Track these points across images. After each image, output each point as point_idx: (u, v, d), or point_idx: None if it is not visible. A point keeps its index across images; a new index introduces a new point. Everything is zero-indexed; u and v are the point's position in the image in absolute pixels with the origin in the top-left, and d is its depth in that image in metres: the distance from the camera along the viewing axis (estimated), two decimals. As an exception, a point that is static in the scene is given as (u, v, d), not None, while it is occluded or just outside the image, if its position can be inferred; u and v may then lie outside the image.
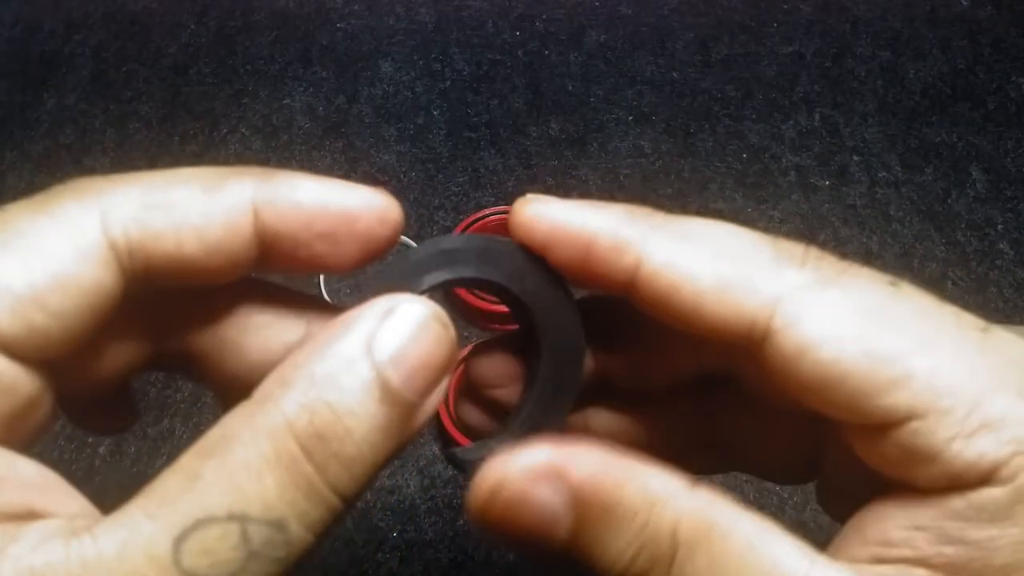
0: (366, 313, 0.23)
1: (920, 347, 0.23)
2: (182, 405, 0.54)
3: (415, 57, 0.70)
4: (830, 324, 0.23)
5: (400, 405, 0.23)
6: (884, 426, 0.23)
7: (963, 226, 0.62)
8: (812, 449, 0.30)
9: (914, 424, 0.22)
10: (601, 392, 0.30)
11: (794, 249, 0.25)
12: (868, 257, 0.60)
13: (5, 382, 0.22)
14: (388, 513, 0.50)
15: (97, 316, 0.23)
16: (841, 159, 0.65)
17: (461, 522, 0.50)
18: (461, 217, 0.60)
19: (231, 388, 0.29)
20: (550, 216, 0.26)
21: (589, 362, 0.29)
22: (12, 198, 0.71)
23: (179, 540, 0.20)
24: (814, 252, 0.25)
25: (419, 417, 0.23)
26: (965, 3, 0.73)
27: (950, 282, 0.59)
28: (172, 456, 0.55)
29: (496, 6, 0.73)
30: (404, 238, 0.60)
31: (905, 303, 0.24)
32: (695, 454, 0.31)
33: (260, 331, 0.27)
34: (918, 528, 0.23)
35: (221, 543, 0.21)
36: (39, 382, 0.23)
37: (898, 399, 0.23)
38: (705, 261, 0.24)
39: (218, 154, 0.65)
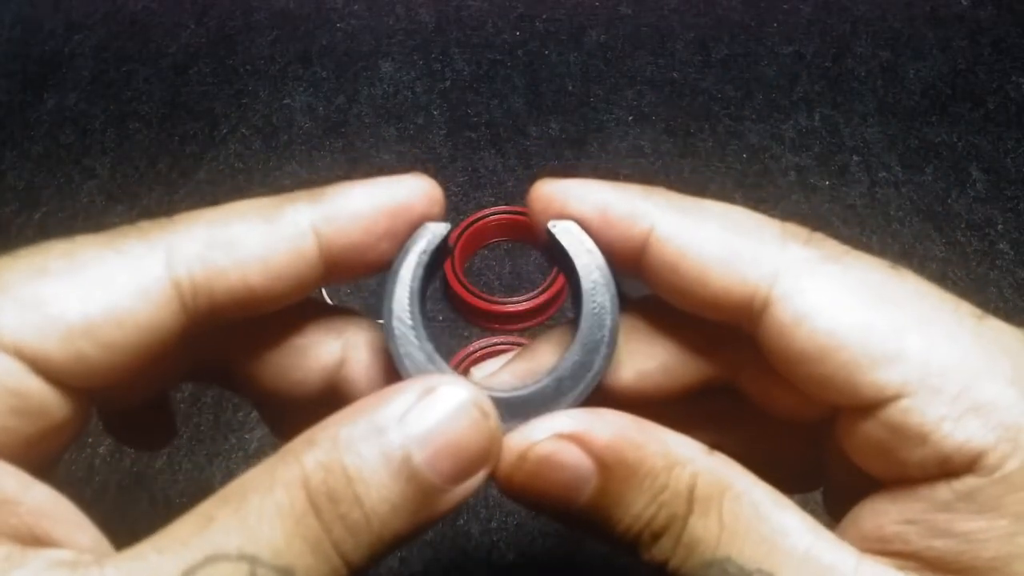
0: (406, 389, 0.23)
1: (916, 326, 0.23)
2: (182, 405, 0.54)
3: (415, 57, 0.70)
4: (829, 296, 0.24)
5: (419, 485, 0.22)
6: (875, 404, 0.23)
7: (963, 226, 0.62)
8: (813, 456, 0.30)
9: (905, 402, 0.23)
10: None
11: (799, 229, 0.25)
12: (868, 257, 0.60)
13: (35, 405, 0.23)
14: (388, 513, 0.50)
15: (151, 351, 0.24)
16: (841, 159, 0.65)
17: (461, 522, 0.50)
18: (461, 217, 0.60)
19: (269, 402, 0.29)
20: (570, 188, 0.27)
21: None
22: (12, 198, 0.71)
23: (187, 574, 0.20)
24: (818, 234, 0.25)
25: (443, 503, 0.23)
26: (965, 3, 0.73)
27: (950, 282, 0.59)
28: (172, 456, 0.55)
29: (496, 6, 0.73)
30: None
31: (904, 284, 0.24)
32: None
33: (299, 352, 0.28)
34: (909, 522, 0.23)
35: None
36: (73, 407, 0.24)
37: (891, 374, 0.23)
38: (712, 232, 0.25)
39: (218, 154, 0.65)
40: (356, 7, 0.73)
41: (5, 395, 0.22)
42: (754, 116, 0.67)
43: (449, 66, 0.70)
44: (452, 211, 0.62)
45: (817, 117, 0.67)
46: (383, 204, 0.26)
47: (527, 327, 0.57)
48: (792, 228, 0.25)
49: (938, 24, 0.72)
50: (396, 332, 0.26)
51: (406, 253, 0.26)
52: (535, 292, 0.56)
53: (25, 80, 0.69)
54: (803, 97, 0.68)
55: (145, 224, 0.24)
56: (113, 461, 0.51)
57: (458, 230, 0.58)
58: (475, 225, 0.59)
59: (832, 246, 0.25)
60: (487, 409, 0.24)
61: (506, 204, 0.60)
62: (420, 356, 0.26)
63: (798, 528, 0.23)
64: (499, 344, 0.54)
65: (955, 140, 0.66)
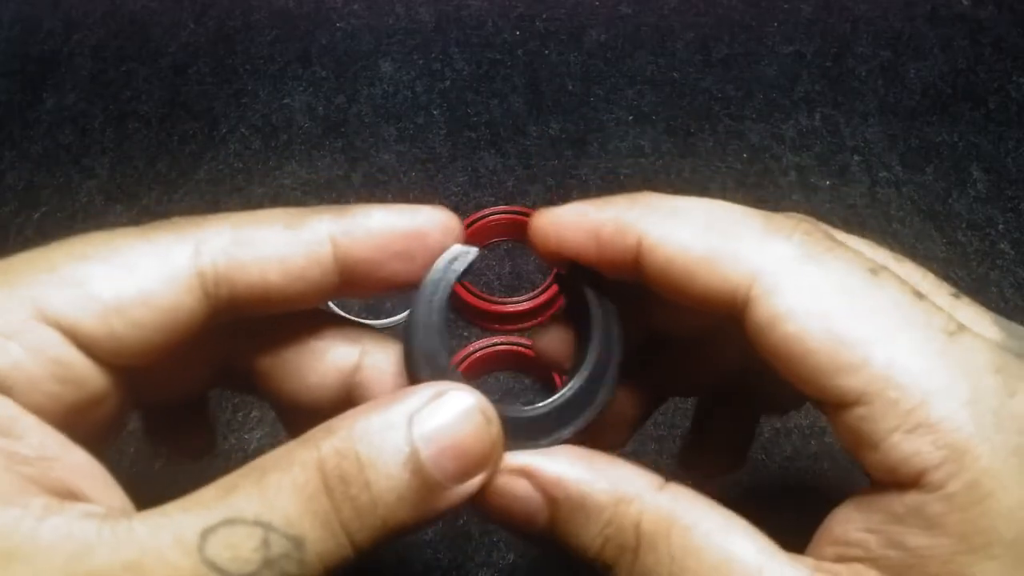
0: (419, 391, 0.26)
1: (882, 338, 0.24)
2: (181, 405, 0.54)
3: (415, 57, 0.70)
4: (802, 300, 0.25)
5: (424, 479, 0.24)
6: (839, 406, 0.25)
7: (964, 226, 0.62)
8: None
9: (862, 409, 0.24)
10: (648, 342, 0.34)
11: (783, 222, 0.26)
12: (869, 257, 0.60)
13: (74, 374, 0.25)
14: (388, 513, 0.50)
15: (176, 334, 0.26)
16: (842, 159, 0.65)
17: (461, 522, 0.50)
18: (461, 217, 0.59)
19: (291, 407, 0.31)
20: (561, 218, 0.29)
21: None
22: (12, 198, 0.71)
23: (207, 532, 0.23)
24: (804, 226, 0.26)
25: (444, 499, 0.25)
26: (966, 3, 0.73)
27: (951, 282, 0.59)
28: (172, 456, 0.55)
29: (496, 5, 0.73)
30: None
31: (879, 292, 0.25)
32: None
33: (317, 356, 0.31)
34: (870, 531, 0.25)
35: (244, 542, 0.23)
36: (109, 382, 0.26)
37: (851, 382, 0.24)
38: (696, 234, 0.26)
39: (217, 153, 0.65)
40: (356, 7, 0.73)
41: (48, 363, 0.25)
42: (754, 116, 0.67)
43: (449, 66, 0.70)
44: (452, 211, 0.62)
45: (818, 117, 0.67)
46: (400, 227, 0.28)
47: (527, 327, 0.57)
48: (776, 221, 0.26)
49: (939, 24, 0.72)
50: (419, 341, 0.28)
51: (442, 270, 0.29)
52: (535, 292, 0.56)
53: (24, 80, 0.69)
54: (804, 97, 0.68)
55: (179, 220, 0.27)
56: (113, 461, 0.51)
57: (458, 230, 0.58)
58: (475, 225, 0.58)
59: (815, 242, 0.26)
60: (491, 416, 0.26)
61: (506, 204, 0.60)
62: (438, 366, 0.28)
63: (749, 551, 0.24)
64: (499, 344, 0.54)
65: (956, 140, 0.66)
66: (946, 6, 0.73)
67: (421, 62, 0.70)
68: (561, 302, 0.57)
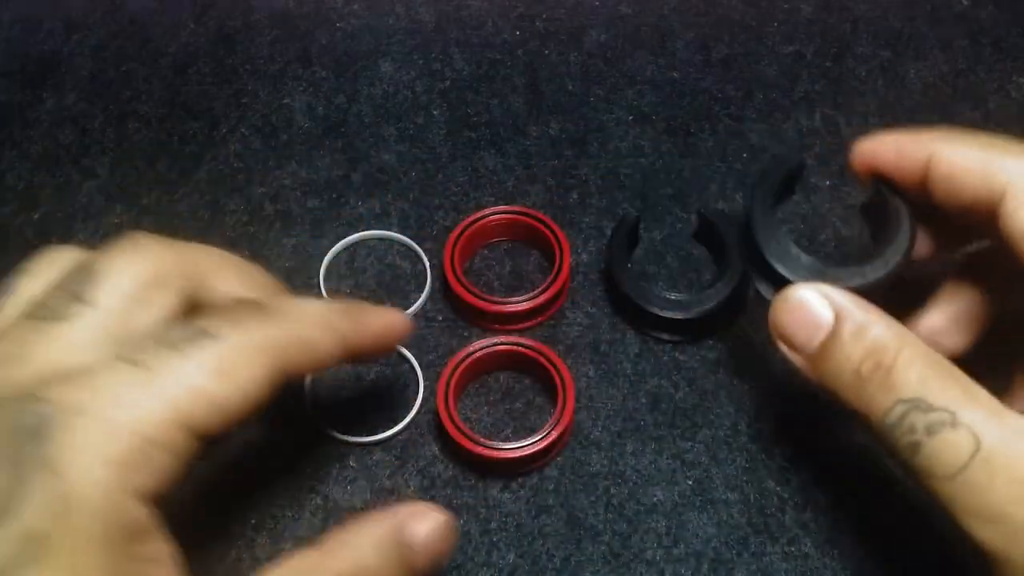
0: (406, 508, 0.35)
1: None
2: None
3: (415, 57, 0.70)
4: None
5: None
6: None
7: (964, 226, 0.62)
8: None
9: None
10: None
11: None
12: (869, 257, 0.60)
13: (190, 454, 0.30)
14: (388, 513, 0.50)
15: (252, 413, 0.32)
16: (842, 159, 0.65)
17: (461, 522, 0.50)
18: (461, 217, 0.60)
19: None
20: (878, 140, 0.41)
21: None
22: (12, 198, 0.71)
23: None
24: None
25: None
26: (966, 3, 0.73)
27: (951, 282, 0.59)
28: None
29: (496, 5, 0.73)
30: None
31: None
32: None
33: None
34: None
35: None
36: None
37: None
38: (971, 151, 0.37)
39: (217, 153, 0.65)
40: (356, 7, 0.73)
41: (184, 462, 0.29)
42: (755, 116, 0.67)
43: (449, 66, 0.70)
44: (452, 211, 0.62)
45: (818, 117, 0.67)
46: (387, 331, 0.41)
47: (527, 327, 0.57)
48: None
49: (938, 24, 0.72)
50: (770, 250, 0.39)
51: (773, 174, 0.43)
52: (535, 292, 0.56)
53: (24, 80, 0.69)
54: (804, 97, 0.68)
55: (250, 306, 0.34)
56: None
57: (457, 230, 0.58)
58: (475, 225, 0.59)
59: None
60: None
61: (506, 204, 0.60)
62: (801, 265, 0.39)
63: (990, 395, 0.31)
64: (499, 344, 0.54)
65: (956, 140, 0.66)
66: (946, 6, 0.73)
67: (421, 62, 0.70)
68: (561, 303, 0.58)
